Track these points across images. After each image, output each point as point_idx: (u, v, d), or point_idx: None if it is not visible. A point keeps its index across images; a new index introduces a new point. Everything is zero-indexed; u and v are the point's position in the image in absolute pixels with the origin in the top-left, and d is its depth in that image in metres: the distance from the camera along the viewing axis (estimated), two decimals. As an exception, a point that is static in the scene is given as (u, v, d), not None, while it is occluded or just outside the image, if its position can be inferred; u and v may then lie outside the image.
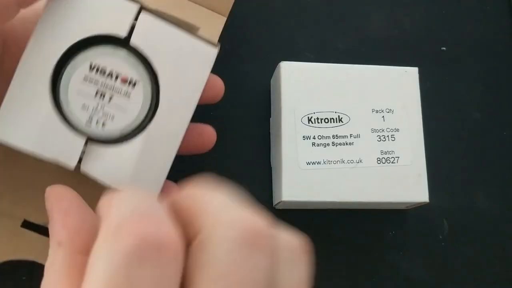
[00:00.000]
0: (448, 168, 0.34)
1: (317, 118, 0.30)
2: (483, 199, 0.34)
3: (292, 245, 0.15)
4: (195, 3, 0.26)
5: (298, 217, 0.32)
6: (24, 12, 0.20)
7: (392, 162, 0.29)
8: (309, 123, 0.29)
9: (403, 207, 0.32)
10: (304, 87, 0.30)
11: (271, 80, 0.33)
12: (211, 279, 0.12)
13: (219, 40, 0.25)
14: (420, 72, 0.31)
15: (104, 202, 0.15)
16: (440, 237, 0.33)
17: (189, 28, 0.21)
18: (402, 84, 0.31)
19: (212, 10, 0.26)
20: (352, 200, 0.29)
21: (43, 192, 0.23)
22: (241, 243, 0.13)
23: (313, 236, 0.31)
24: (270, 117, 0.33)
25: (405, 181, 0.29)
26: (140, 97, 0.20)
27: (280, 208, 0.31)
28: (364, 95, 0.30)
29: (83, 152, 0.21)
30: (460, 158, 0.34)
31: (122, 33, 0.20)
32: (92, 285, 0.12)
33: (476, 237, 0.33)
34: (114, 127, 0.20)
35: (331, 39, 0.35)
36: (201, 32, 0.23)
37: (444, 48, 0.36)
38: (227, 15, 0.27)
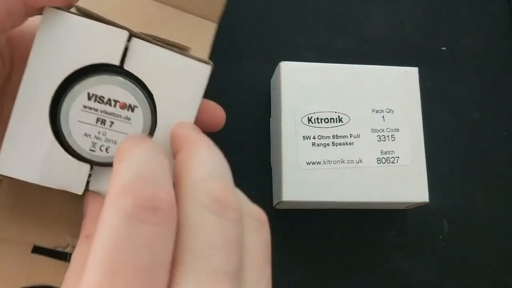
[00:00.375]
0: (448, 168, 0.34)
1: (317, 118, 0.30)
2: (483, 199, 0.34)
3: (255, 215, 0.18)
4: (185, 12, 0.27)
5: (298, 217, 0.32)
6: (33, 27, 0.20)
7: (392, 162, 0.29)
8: (309, 123, 0.29)
9: (403, 207, 0.32)
10: (304, 87, 0.30)
11: (271, 80, 0.33)
12: (187, 236, 0.15)
13: (213, 46, 0.25)
14: (420, 72, 0.31)
15: (121, 152, 0.16)
16: (440, 237, 0.33)
17: (180, 49, 0.21)
18: (402, 84, 0.31)
19: (203, 18, 0.26)
20: (352, 200, 0.29)
21: (51, 215, 0.24)
22: (211, 211, 0.15)
23: (313, 236, 0.32)
24: (270, 117, 0.33)
25: (405, 181, 0.29)
26: (140, 120, 0.20)
27: (280, 208, 0.31)
28: (364, 95, 0.30)
29: (89, 176, 0.21)
30: (460, 158, 0.34)
31: (115, 61, 0.20)
32: (100, 237, 0.14)
33: (476, 237, 0.33)
34: None
35: (331, 39, 0.35)
36: (193, 43, 0.23)
37: (444, 48, 0.36)
38: (217, 21, 0.27)
